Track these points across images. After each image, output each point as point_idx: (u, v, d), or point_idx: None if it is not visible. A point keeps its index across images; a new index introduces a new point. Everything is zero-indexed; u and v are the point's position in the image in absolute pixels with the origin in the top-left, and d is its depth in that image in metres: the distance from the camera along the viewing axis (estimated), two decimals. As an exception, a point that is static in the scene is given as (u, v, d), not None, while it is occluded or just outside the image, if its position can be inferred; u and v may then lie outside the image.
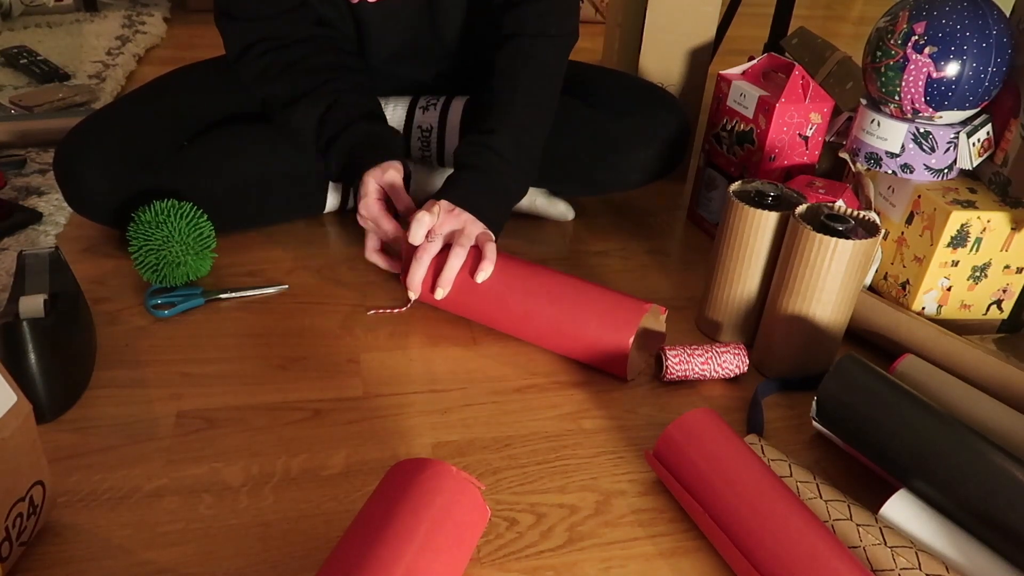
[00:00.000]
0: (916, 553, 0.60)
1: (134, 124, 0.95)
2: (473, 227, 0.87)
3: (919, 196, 0.89)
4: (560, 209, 1.14)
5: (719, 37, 1.50)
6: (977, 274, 0.90)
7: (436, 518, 0.55)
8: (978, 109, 0.86)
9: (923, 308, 0.92)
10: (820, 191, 0.94)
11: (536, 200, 1.13)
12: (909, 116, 0.88)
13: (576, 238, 1.11)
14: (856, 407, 0.69)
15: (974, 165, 0.89)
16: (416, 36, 1.04)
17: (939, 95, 0.84)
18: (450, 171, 1.13)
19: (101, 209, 0.93)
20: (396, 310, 0.91)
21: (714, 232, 1.13)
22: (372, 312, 0.90)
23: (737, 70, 1.08)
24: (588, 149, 1.04)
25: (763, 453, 0.70)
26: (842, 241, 0.75)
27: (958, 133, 0.87)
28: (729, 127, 1.07)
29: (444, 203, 0.87)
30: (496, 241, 0.89)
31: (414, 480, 0.57)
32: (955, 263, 0.88)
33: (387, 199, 0.93)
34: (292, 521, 0.65)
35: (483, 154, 0.92)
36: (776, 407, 0.82)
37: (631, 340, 0.79)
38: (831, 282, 0.77)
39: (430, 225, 0.85)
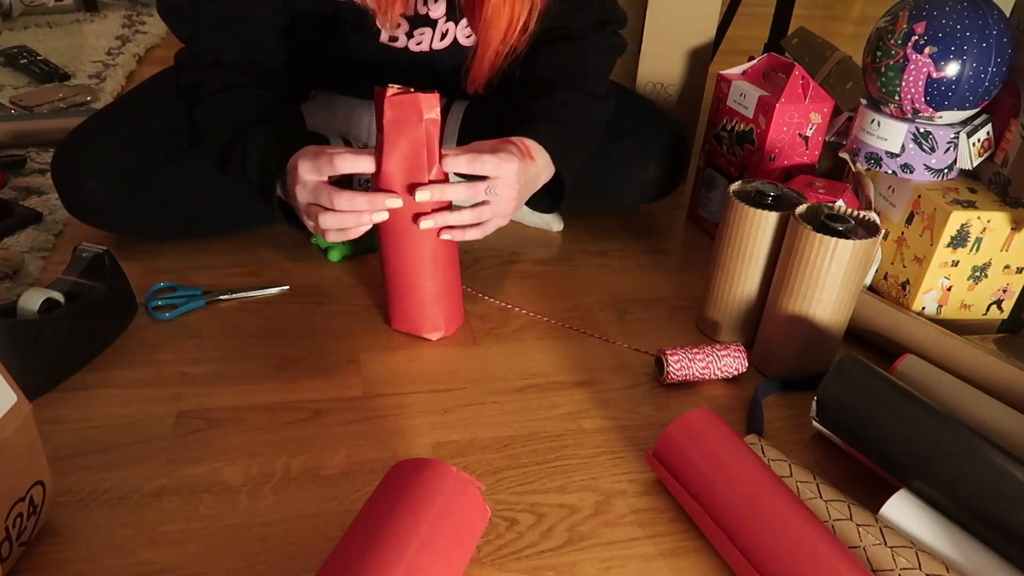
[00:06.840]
0: (916, 553, 0.60)
1: (132, 128, 0.94)
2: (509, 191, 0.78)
3: (919, 196, 0.89)
4: (545, 218, 1.12)
5: (719, 37, 1.50)
6: (977, 274, 0.90)
7: (436, 518, 0.55)
8: (978, 109, 0.86)
9: (923, 308, 0.92)
10: (820, 191, 0.94)
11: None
12: (909, 116, 0.88)
13: (576, 238, 1.11)
14: (856, 407, 0.69)
15: (974, 165, 0.89)
16: (438, 80, 0.96)
17: (939, 95, 0.84)
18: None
19: (99, 215, 0.92)
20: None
21: (714, 232, 1.13)
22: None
23: (737, 70, 1.08)
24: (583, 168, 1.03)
25: (763, 453, 0.70)
26: (842, 241, 0.75)
27: (958, 133, 0.87)
28: (729, 127, 1.07)
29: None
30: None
31: (414, 480, 0.57)
32: (955, 263, 0.88)
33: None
34: (292, 521, 0.65)
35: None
36: (776, 407, 0.82)
37: None
38: (831, 282, 0.77)
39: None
